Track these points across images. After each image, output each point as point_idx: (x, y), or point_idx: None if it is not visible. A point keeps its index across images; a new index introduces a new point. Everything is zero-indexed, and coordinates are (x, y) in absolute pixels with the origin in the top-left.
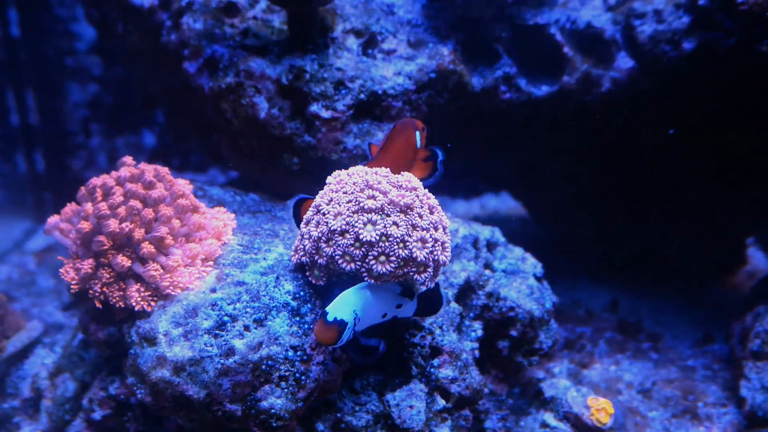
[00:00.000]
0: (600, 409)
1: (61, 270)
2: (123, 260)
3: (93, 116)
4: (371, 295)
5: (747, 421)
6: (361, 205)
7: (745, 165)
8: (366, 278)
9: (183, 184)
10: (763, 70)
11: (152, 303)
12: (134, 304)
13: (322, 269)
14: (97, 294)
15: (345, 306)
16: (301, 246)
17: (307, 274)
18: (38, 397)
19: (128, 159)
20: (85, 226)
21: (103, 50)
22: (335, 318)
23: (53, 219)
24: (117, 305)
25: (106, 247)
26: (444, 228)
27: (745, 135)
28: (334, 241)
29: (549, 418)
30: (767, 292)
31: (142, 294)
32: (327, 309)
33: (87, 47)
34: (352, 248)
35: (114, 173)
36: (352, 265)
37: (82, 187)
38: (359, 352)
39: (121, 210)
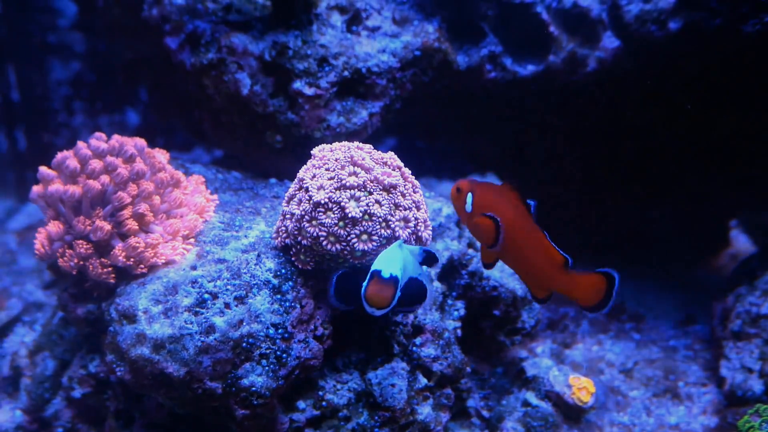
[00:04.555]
0: (581, 388)
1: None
2: (104, 225)
3: (75, 94)
4: (407, 257)
5: (727, 401)
6: (343, 182)
7: (730, 146)
8: (349, 259)
9: (160, 157)
10: (749, 51)
11: (141, 267)
12: (120, 263)
13: (308, 252)
14: (71, 266)
15: (394, 261)
16: (283, 227)
17: (293, 258)
18: (17, 375)
19: (100, 134)
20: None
21: (86, 27)
22: (391, 274)
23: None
24: (96, 270)
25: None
26: (426, 207)
27: (730, 116)
28: (317, 220)
29: (531, 396)
30: (749, 274)
31: (124, 255)
32: (376, 267)
33: (69, 23)
34: (337, 227)
35: (81, 143)
36: (338, 245)
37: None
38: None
39: (105, 178)
